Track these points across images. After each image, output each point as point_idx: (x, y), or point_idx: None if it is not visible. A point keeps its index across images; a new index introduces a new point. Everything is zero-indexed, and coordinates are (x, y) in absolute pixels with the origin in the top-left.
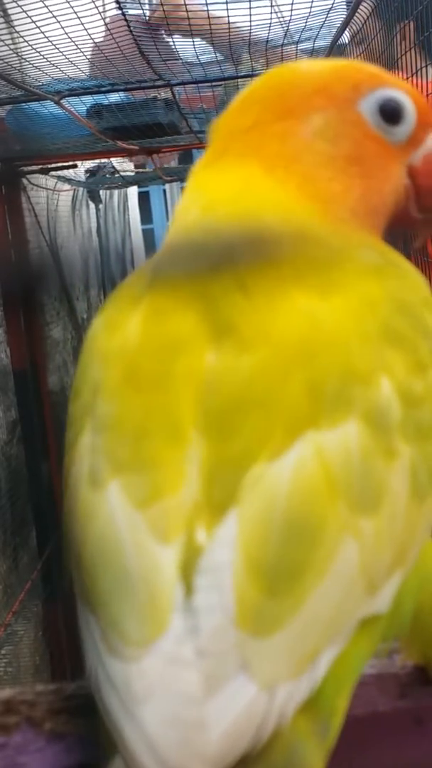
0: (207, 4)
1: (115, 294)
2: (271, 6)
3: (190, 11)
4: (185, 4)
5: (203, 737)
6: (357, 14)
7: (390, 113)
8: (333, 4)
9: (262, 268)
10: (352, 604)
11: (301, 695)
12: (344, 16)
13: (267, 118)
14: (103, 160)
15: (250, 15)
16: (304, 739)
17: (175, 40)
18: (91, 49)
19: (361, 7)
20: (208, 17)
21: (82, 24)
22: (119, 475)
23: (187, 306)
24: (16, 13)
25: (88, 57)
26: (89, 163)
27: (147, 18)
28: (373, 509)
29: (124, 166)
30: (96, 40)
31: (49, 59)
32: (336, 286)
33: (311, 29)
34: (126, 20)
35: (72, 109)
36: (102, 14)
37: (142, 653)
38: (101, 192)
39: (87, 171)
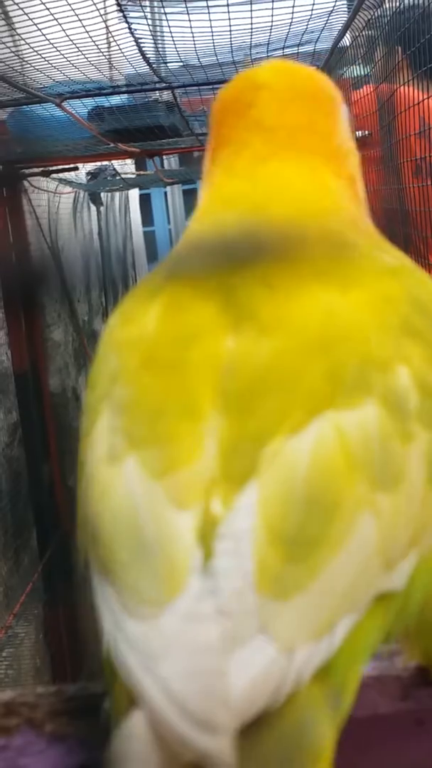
0: (209, 8)
1: (133, 290)
2: (272, 9)
3: None
4: (186, 7)
5: (226, 686)
6: (358, 17)
7: None
8: (334, 6)
9: (286, 264)
10: (369, 577)
11: (318, 660)
12: (345, 19)
13: (317, 117)
14: (104, 163)
15: (251, 18)
16: (316, 708)
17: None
18: (93, 51)
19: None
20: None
21: (84, 26)
22: (136, 450)
23: (206, 297)
24: (18, 16)
25: (90, 59)
26: (90, 166)
27: None
28: (391, 487)
29: (125, 168)
30: (97, 42)
31: (51, 61)
32: (356, 282)
33: (312, 32)
34: (127, 22)
35: (73, 112)
36: (103, 17)
37: (159, 612)
38: (102, 194)
39: (88, 173)
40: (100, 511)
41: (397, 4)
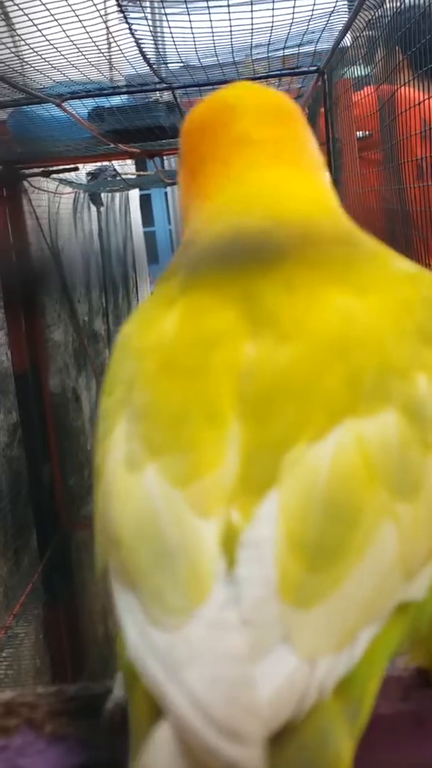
0: (209, 8)
1: (149, 297)
2: (273, 9)
3: None
4: (186, 7)
5: (252, 695)
6: (358, 18)
7: None
8: (335, 7)
9: (305, 269)
10: (390, 587)
11: (341, 670)
12: (346, 20)
13: (293, 132)
14: (104, 163)
15: (252, 18)
16: (335, 720)
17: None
18: (93, 52)
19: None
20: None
21: (84, 27)
22: (157, 457)
23: (226, 302)
24: (18, 16)
25: (90, 60)
26: (91, 166)
27: None
28: (411, 496)
29: (126, 169)
30: (97, 43)
31: (51, 62)
32: (373, 287)
33: (313, 32)
34: (128, 22)
35: (73, 112)
36: (104, 17)
37: (184, 621)
38: (103, 195)
39: (89, 174)
40: (120, 519)
41: (398, 4)
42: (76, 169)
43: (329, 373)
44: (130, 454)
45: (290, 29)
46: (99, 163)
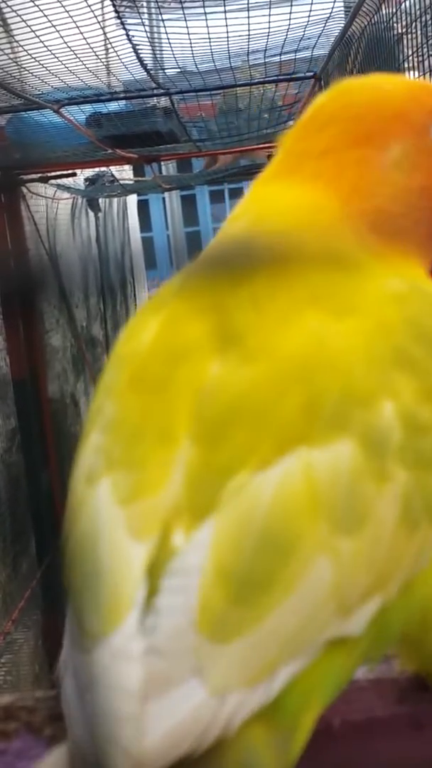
0: (206, 14)
1: (147, 301)
2: (269, 15)
3: None
4: (184, 13)
5: (135, 733)
6: (354, 23)
7: None
8: (331, 13)
9: (281, 286)
10: (319, 623)
11: (252, 706)
12: (342, 26)
13: (344, 143)
14: (102, 169)
15: (249, 24)
16: (260, 750)
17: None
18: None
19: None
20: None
21: (81, 33)
22: (111, 472)
23: (201, 315)
24: (16, 23)
25: (88, 66)
26: (88, 172)
27: None
28: (354, 531)
29: (123, 174)
30: (95, 49)
31: (49, 68)
32: (354, 309)
33: (310, 38)
34: (125, 28)
35: (71, 118)
36: (101, 23)
37: (94, 646)
38: (100, 200)
39: (86, 179)
40: (71, 533)
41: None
42: (74, 174)
43: (288, 398)
44: (91, 467)
45: (287, 35)
46: (97, 169)
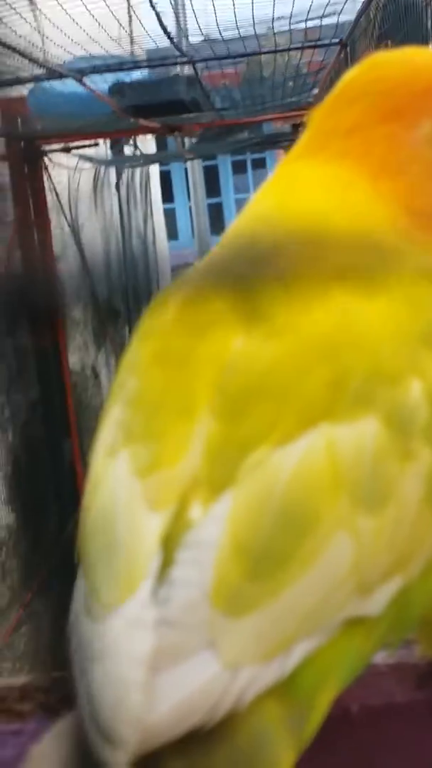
0: None
1: (174, 281)
2: None
3: None
4: None
5: (145, 701)
6: None
7: None
8: None
9: (310, 265)
10: (337, 601)
11: (265, 681)
12: None
13: (372, 119)
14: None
15: None
16: (273, 726)
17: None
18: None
19: None
20: None
21: (105, 2)
22: (130, 445)
23: (226, 292)
24: None
25: (111, 34)
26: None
27: None
28: (377, 509)
29: (146, 145)
30: (118, 18)
31: (71, 37)
32: (383, 289)
33: (336, 3)
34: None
35: (94, 87)
36: None
37: (108, 614)
38: (123, 171)
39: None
40: (89, 505)
41: None
42: (96, 144)
43: (313, 374)
44: (112, 440)
45: (313, 1)
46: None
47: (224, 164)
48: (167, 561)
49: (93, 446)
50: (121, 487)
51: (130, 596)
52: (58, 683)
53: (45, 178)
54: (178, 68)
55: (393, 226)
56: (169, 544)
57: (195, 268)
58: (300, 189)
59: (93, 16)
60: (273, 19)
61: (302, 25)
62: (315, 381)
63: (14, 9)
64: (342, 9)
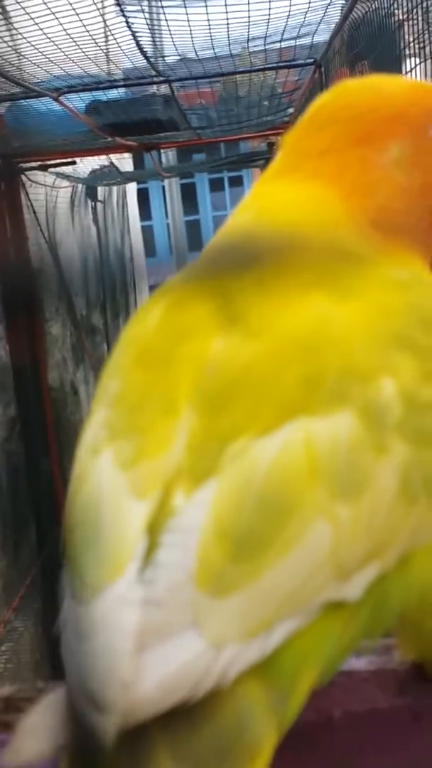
0: (206, 1)
1: (156, 291)
2: (269, 1)
3: None
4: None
5: (131, 676)
6: (355, 10)
7: None
8: None
9: (286, 271)
10: (316, 584)
11: (247, 660)
12: (342, 12)
13: (343, 142)
14: (105, 162)
15: (249, 10)
16: (254, 706)
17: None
18: (91, 45)
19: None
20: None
21: (81, 21)
22: (114, 442)
23: (206, 298)
24: (15, 10)
25: (88, 53)
26: (88, 160)
27: None
28: (353, 498)
29: (123, 163)
30: (94, 36)
31: (48, 56)
32: (357, 293)
33: (310, 24)
34: (125, 15)
35: (70, 106)
36: (101, 10)
37: (94, 596)
38: (100, 189)
39: (92, 171)
40: (73, 500)
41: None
42: (74, 163)
43: (290, 371)
44: (95, 439)
45: (287, 21)
46: (97, 158)
47: (201, 182)
48: (152, 545)
49: (75, 453)
50: (106, 478)
51: (117, 577)
52: (44, 694)
53: (22, 195)
54: (154, 87)
55: (364, 241)
56: (154, 530)
57: (176, 277)
58: (275, 204)
59: (69, 35)
60: (248, 39)
61: (277, 46)
62: (292, 377)
63: None
64: (316, 30)
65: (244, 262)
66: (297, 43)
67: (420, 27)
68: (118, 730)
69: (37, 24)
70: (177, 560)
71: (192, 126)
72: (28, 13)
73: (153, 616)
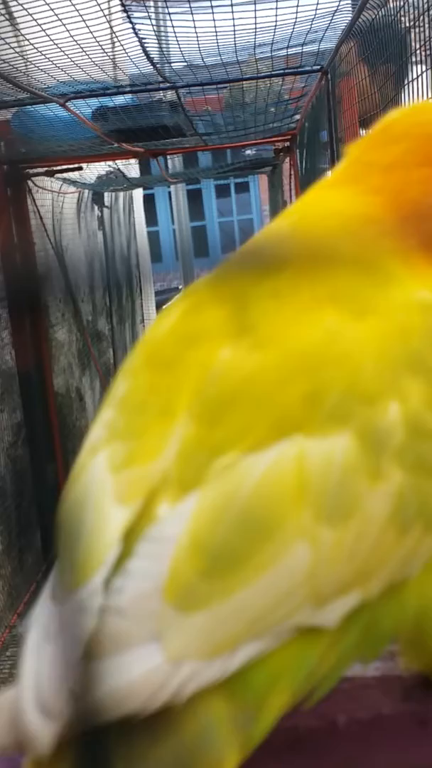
0: (212, 8)
1: (180, 294)
2: (276, 8)
3: None
4: (190, 7)
5: (85, 682)
6: (362, 17)
7: None
8: (338, 6)
9: (306, 282)
10: (288, 608)
11: (207, 678)
12: (349, 19)
13: (410, 159)
14: (111, 168)
15: (255, 17)
16: (219, 723)
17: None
18: (97, 51)
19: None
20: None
21: (88, 27)
22: (112, 443)
23: (223, 303)
24: (22, 16)
25: (94, 59)
26: (94, 166)
27: None
28: (339, 522)
29: (129, 169)
30: (101, 43)
31: (55, 62)
32: (374, 312)
33: (316, 31)
34: (131, 22)
35: (77, 112)
36: (107, 17)
37: (66, 598)
38: (106, 195)
39: (99, 177)
40: (66, 498)
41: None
42: (80, 168)
43: (291, 386)
44: (96, 438)
45: (293, 28)
46: (104, 163)
47: (208, 188)
48: (127, 552)
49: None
50: (95, 480)
51: (84, 583)
52: None
53: (29, 201)
54: (161, 93)
55: (404, 263)
56: (132, 537)
57: (205, 276)
58: (321, 212)
59: (76, 41)
60: (255, 45)
61: (284, 52)
62: (293, 393)
63: None
64: (323, 37)
65: (267, 268)
66: (304, 50)
67: (427, 34)
68: (70, 739)
69: (44, 30)
70: (148, 570)
71: (198, 132)
72: (35, 19)
73: (114, 625)
